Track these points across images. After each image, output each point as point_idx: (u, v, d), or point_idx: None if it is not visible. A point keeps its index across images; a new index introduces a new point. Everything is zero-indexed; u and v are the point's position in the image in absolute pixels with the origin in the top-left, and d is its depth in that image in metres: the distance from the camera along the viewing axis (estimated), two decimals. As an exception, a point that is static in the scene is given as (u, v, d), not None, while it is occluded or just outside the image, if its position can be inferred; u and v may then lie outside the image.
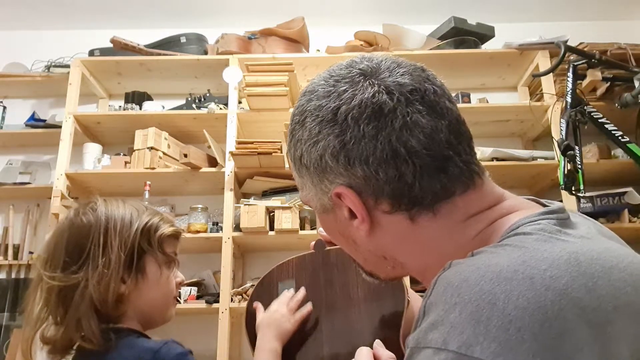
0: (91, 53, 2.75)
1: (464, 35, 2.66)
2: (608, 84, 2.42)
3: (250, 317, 0.94)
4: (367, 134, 0.52)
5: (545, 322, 0.39)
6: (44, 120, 2.72)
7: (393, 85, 0.53)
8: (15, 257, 2.60)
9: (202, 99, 2.64)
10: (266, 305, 0.94)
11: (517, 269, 0.42)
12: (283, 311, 0.89)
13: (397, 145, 0.51)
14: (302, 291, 0.93)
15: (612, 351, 0.40)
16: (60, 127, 2.51)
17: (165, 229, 0.94)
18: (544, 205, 0.55)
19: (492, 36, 2.75)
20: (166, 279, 0.94)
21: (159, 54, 2.62)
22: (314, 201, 0.60)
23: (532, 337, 0.38)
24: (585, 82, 2.40)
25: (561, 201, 2.31)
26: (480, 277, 0.43)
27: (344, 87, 0.54)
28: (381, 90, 0.53)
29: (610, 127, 2.24)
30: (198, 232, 2.31)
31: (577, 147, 2.15)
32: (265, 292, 0.95)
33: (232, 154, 2.31)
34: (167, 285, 0.94)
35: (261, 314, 0.92)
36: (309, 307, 0.91)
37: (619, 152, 2.41)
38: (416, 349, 0.44)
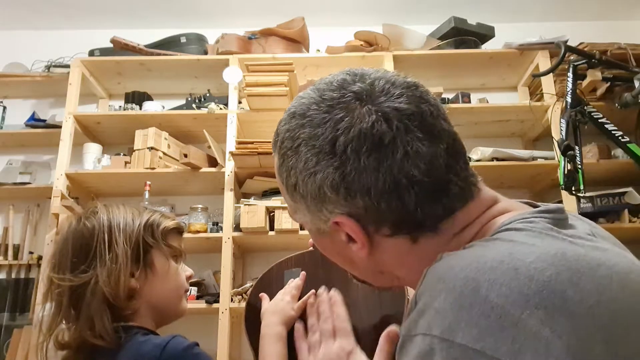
0: (91, 53, 2.75)
1: (464, 35, 2.65)
2: (608, 84, 2.43)
3: (249, 314, 0.94)
4: (368, 166, 0.51)
5: (525, 310, 0.40)
6: (44, 120, 2.72)
7: (390, 112, 0.52)
8: (15, 257, 2.60)
9: (202, 99, 2.64)
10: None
11: (503, 260, 0.43)
12: (287, 298, 0.90)
13: (399, 176, 0.51)
14: (301, 275, 0.93)
15: (589, 344, 0.40)
16: (60, 127, 2.51)
17: (168, 223, 0.98)
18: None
19: (492, 36, 2.75)
20: (175, 272, 0.98)
21: (159, 54, 2.62)
22: (309, 225, 0.60)
23: (512, 324, 0.39)
24: (585, 82, 2.40)
25: (561, 201, 2.32)
26: (466, 266, 0.44)
27: (340, 115, 0.53)
28: (379, 118, 0.51)
29: (610, 127, 2.24)
30: (198, 232, 2.31)
31: (577, 147, 2.15)
32: (265, 290, 0.96)
33: (232, 154, 2.31)
34: (176, 278, 0.98)
35: (266, 304, 0.93)
36: (311, 293, 0.91)
37: (619, 152, 2.41)
38: (407, 337, 0.45)
